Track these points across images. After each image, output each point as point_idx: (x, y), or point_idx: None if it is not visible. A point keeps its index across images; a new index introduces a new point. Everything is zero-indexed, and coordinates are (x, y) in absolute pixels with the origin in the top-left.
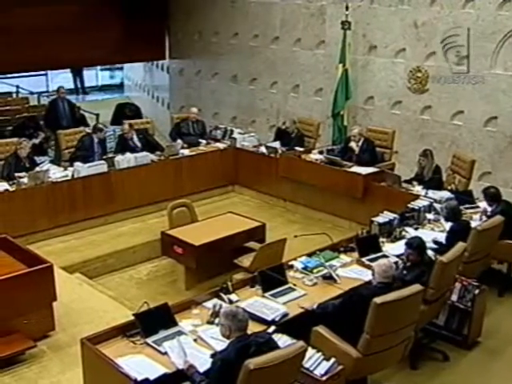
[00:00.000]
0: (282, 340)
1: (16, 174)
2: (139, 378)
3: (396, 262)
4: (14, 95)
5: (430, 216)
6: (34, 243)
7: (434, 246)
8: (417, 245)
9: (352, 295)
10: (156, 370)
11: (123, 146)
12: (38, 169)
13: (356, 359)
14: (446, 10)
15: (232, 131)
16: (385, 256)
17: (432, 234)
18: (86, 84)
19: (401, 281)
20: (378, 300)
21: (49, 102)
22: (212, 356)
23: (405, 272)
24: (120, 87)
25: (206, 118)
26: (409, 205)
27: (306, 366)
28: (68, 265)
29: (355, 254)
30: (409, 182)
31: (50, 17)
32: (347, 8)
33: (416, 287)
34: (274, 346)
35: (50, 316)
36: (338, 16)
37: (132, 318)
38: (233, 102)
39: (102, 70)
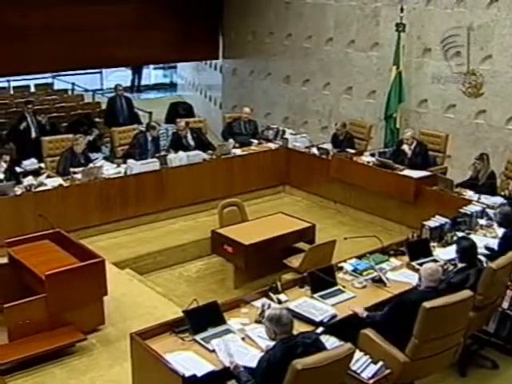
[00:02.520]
0: (330, 341)
1: (71, 170)
2: (187, 374)
3: (446, 267)
4: (70, 92)
5: (483, 222)
6: (85, 238)
7: (486, 252)
8: (464, 246)
9: (400, 300)
10: (204, 366)
11: (177, 143)
12: (91, 165)
13: (404, 363)
14: (503, 12)
15: (284, 132)
16: (435, 261)
17: (484, 239)
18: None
19: (446, 283)
20: (427, 305)
21: (108, 99)
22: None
23: (451, 275)
24: (172, 86)
25: (258, 118)
26: (461, 210)
27: (354, 368)
28: (119, 260)
29: (405, 258)
30: (462, 185)
31: (106, 16)
32: (402, 10)
33: (466, 293)
34: (321, 347)
35: (101, 310)
36: (392, 18)
37: (181, 314)
38: (285, 103)
39: (155, 68)
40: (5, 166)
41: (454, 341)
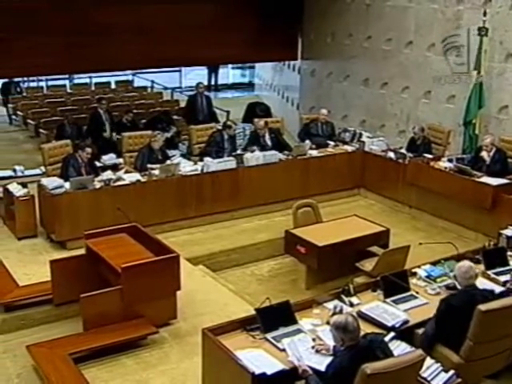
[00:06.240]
0: (401, 347)
1: (148, 166)
2: (257, 372)
3: None
4: (149, 90)
5: None
6: (161, 233)
7: None
8: None
9: (446, 308)
10: (274, 365)
11: (254, 141)
12: (169, 162)
13: (457, 365)
14: None
15: (361, 134)
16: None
17: None
18: (218, 82)
19: None
20: (482, 307)
21: (188, 96)
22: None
23: None
24: (250, 86)
25: (335, 120)
26: None
27: (424, 375)
28: (193, 256)
29: (481, 267)
30: None
31: (187, 15)
32: (485, 14)
33: None
34: (387, 351)
35: (173, 304)
36: (474, 22)
37: (253, 312)
38: (363, 106)
39: (233, 68)
40: (87, 157)
41: (509, 343)
